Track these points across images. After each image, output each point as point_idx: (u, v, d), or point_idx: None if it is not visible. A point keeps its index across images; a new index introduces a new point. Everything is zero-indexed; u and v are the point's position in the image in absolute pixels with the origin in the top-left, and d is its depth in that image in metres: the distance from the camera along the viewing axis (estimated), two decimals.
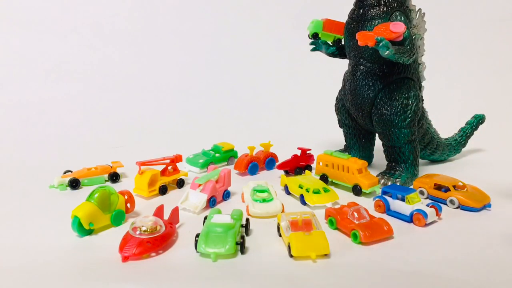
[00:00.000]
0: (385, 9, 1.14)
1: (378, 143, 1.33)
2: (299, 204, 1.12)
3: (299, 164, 1.35)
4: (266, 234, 0.94)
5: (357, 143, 1.39)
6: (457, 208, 1.07)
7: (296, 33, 1.66)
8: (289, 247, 0.84)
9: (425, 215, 0.96)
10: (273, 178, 1.29)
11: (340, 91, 1.37)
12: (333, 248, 0.84)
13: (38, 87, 2.06)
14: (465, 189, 1.11)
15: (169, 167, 1.22)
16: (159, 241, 0.85)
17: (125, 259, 0.81)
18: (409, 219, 0.99)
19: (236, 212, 0.95)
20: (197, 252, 0.84)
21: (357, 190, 1.16)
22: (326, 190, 1.11)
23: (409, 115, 1.18)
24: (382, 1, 1.14)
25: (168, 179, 1.21)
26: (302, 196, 1.11)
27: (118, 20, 2.31)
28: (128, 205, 1.03)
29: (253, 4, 2.40)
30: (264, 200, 1.05)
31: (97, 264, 0.81)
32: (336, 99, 1.40)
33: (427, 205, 1.01)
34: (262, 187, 1.10)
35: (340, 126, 1.42)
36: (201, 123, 1.98)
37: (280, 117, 2.05)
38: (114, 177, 1.28)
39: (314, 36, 1.30)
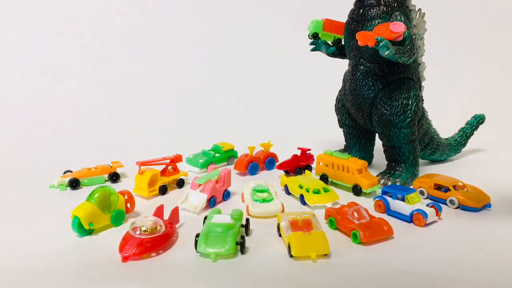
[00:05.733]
0: (385, 9, 1.14)
1: (378, 143, 1.33)
2: (299, 204, 1.12)
3: (299, 164, 1.35)
4: (266, 234, 0.94)
5: (357, 143, 1.39)
6: (457, 208, 1.07)
7: (296, 33, 1.66)
8: (289, 247, 0.83)
9: (425, 215, 0.96)
10: (273, 178, 1.29)
11: (340, 91, 1.37)
12: (333, 248, 0.84)
13: (38, 87, 2.06)
14: (465, 189, 1.11)
15: (169, 167, 1.22)
16: (159, 241, 0.85)
17: (125, 259, 0.81)
18: (409, 219, 0.99)
19: (236, 212, 0.95)
20: (197, 252, 0.84)
21: (357, 190, 1.16)
22: (326, 190, 1.11)
23: (409, 115, 1.18)
24: (382, 1, 1.14)
25: (168, 179, 1.21)
26: (302, 196, 1.11)
27: (118, 20, 2.31)
28: (128, 205, 1.03)
29: (253, 4, 2.41)
30: (264, 200, 1.05)
31: (97, 264, 0.81)
32: (336, 99, 1.40)
33: (427, 205, 1.01)
34: (262, 187, 1.10)
35: (340, 126, 1.42)
36: (201, 123, 1.98)
37: (280, 117, 2.05)
38: (114, 177, 1.28)
39: (314, 36, 1.31)
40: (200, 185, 1.09)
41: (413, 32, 1.19)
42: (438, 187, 1.13)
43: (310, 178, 1.17)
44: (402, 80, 1.20)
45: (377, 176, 1.21)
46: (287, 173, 1.35)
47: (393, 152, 1.24)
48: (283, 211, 1.03)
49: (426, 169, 1.37)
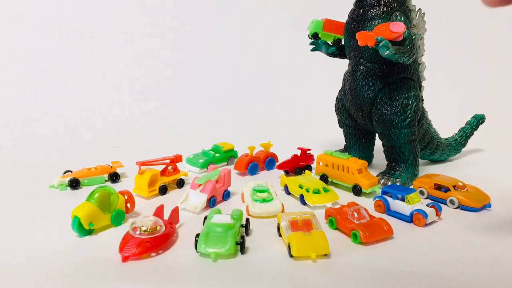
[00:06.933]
0: (385, 9, 1.14)
1: (378, 143, 1.33)
2: (299, 204, 1.12)
3: (299, 164, 1.35)
4: (266, 234, 0.94)
5: (357, 143, 1.39)
6: (457, 208, 1.08)
7: (296, 33, 1.66)
8: (289, 247, 0.83)
9: (425, 215, 0.96)
10: (273, 178, 1.29)
11: (340, 91, 1.37)
12: (333, 248, 0.84)
13: (38, 86, 2.06)
14: (465, 189, 1.11)
15: (169, 167, 1.22)
16: (159, 241, 0.85)
17: (125, 259, 0.81)
18: (409, 219, 0.99)
19: (236, 212, 0.95)
20: (197, 252, 0.84)
21: (357, 190, 1.16)
22: (326, 190, 1.11)
23: (409, 115, 1.18)
24: (382, 1, 1.14)
25: (168, 179, 1.21)
26: (302, 196, 1.11)
27: (118, 20, 2.31)
28: (128, 205, 1.03)
29: (253, 4, 2.41)
30: (264, 200, 1.05)
31: (97, 264, 0.81)
32: (336, 99, 1.40)
33: (427, 205, 1.01)
34: (262, 187, 1.10)
35: (340, 126, 1.42)
36: (201, 123, 1.98)
37: (280, 117, 2.05)
38: (114, 177, 1.28)
39: (314, 36, 1.31)
40: (200, 185, 1.09)
41: (413, 32, 1.19)
42: (438, 187, 1.13)
43: (310, 178, 1.17)
44: (402, 80, 1.20)
45: (377, 176, 1.21)
46: (287, 173, 1.35)
47: (393, 152, 1.24)
48: (283, 211, 1.03)
49: (426, 169, 1.37)
